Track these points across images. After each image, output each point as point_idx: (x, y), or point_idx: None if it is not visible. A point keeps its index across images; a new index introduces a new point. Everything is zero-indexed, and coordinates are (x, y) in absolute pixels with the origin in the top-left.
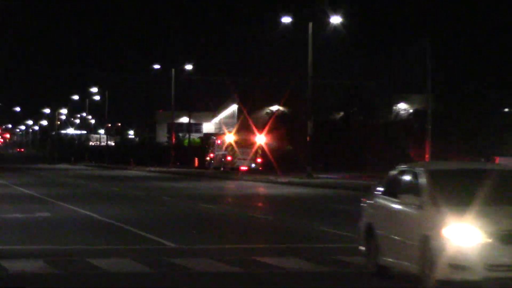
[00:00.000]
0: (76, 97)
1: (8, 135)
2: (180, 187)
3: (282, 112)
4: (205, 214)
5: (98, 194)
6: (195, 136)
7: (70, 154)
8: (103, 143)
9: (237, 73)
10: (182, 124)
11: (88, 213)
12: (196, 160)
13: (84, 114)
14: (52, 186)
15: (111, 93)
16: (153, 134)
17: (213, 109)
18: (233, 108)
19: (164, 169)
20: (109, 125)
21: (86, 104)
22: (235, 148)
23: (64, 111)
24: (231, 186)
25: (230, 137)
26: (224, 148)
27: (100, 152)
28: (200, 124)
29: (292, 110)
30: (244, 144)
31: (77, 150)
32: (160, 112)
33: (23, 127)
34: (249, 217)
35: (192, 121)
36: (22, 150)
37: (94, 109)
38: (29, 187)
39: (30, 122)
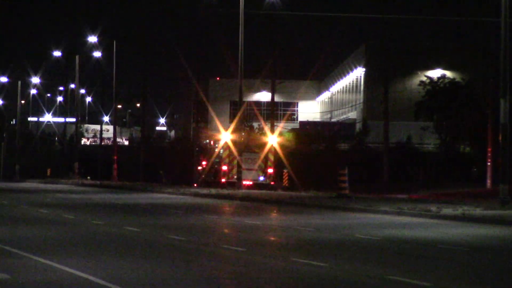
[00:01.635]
0: (57, 54)
1: None
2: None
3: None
4: None
5: (109, 239)
6: (286, 125)
7: (45, 162)
8: (107, 141)
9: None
10: (259, 103)
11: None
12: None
13: (73, 86)
14: (16, 223)
15: (122, 47)
16: (204, 120)
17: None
18: (357, 73)
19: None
20: (119, 106)
21: (75, 66)
22: (235, 153)
23: (34, 80)
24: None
25: (226, 137)
26: (217, 153)
27: (105, 158)
28: (294, 105)
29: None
30: (250, 147)
31: (57, 153)
32: (217, 81)
33: None
34: None
35: (279, 98)
36: None
37: (90, 78)
38: None
39: None
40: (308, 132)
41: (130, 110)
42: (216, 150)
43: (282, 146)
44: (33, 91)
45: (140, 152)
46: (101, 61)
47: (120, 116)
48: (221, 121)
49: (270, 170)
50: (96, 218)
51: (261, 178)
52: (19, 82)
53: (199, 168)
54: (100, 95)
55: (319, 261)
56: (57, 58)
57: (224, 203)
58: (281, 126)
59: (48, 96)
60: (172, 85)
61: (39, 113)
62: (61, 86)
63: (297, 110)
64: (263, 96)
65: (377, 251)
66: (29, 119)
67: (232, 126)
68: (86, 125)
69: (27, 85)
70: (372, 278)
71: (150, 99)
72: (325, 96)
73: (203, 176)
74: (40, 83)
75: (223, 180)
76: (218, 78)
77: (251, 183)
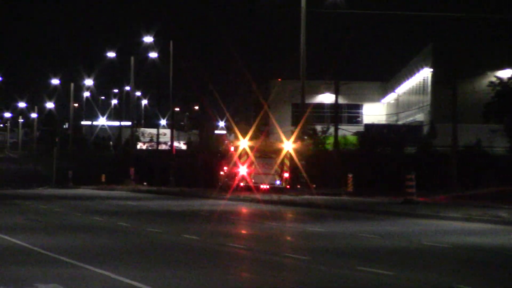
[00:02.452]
0: (111, 55)
1: None
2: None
3: None
4: None
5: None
6: (350, 128)
7: (99, 168)
8: (164, 145)
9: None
10: (322, 105)
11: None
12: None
13: (128, 88)
14: (70, 231)
15: (179, 48)
16: (266, 123)
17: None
18: (423, 74)
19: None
20: (177, 109)
21: (130, 68)
22: (252, 158)
23: (88, 82)
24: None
25: (244, 143)
26: (235, 158)
27: (162, 163)
28: (359, 107)
29: None
30: (266, 152)
31: (112, 159)
32: (278, 83)
33: None
34: None
35: (343, 100)
36: None
37: (146, 80)
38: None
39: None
40: (373, 135)
41: (188, 113)
42: (235, 155)
43: (345, 150)
44: (87, 94)
45: (198, 157)
46: (157, 62)
47: (177, 119)
48: (282, 124)
49: (286, 175)
50: (153, 225)
51: (277, 182)
52: (72, 85)
53: (221, 173)
54: (156, 98)
55: (385, 269)
56: (111, 59)
57: (286, 209)
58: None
59: (102, 99)
60: (232, 88)
61: (93, 117)
62: (115, 88)
63: (361, 112)
64: (326, 98)
65: (445, 259)
66: (83, 123)
67: (295, 134)
68: (142, 129)
69: (80, 88)
70: (440, 287)
71: (208, 102)
72: (390, 97)
73: (224, 180)
74: (94, 85)
75: (241, 184)
76: (279, 80)
77: (267, 187)
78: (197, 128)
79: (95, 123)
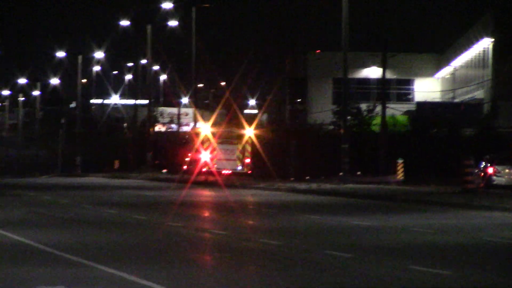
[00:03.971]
0: (125, 23)
1: None
2: None
3: None
4: None
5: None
6: (399, 107)
7: (111, 153)
8: (186, 127)
9: None
10: (368, 80)
11: None
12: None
13: (144, 62)
14: (78, 226)
15: (202, 16)
16: (303, 101)
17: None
18: (483, 44)
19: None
20: (201, 85)
21: (146, 38)
22: (214, 144)
23: (98, 55)
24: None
25: (206, 129)
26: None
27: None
28: (409, 83)
29: None
30: (227, 138)
31: (126, 142)
32: (317, 55)
33: None
34: None
35: (391, 74)
36: None
37: (164, 52)
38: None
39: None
40: (426, 114)
41: (213, 90)
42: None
43: (394, 131)
44: (97, 68)
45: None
46: (177, 31)
47: (201, 97)
48: (321, 101)
49: (248, 160)
50: (172, 219)
51: (239, 168)
52: (80, 58)
53: (186, 159)
54: (177, 73)
55: (441, 268)
56: (124, 28)
57: (327, 199)
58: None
59: (114, 74)
60: (264, 61)
61: (104, 95)
62: (130, 62)
63: (412, 88)
64: (373, 72)
65: (509, 256)
66: (92, 101)
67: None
68: (161, 108)
69: (89, 61)
70: None
71: (237, 77)
72: (445, 72)
73: (186, 166)
74: (105, 58)
75: (203, 169)
76: (318, 51)
77: (230, 172)
78: (224, 107)
79: (106, 101)
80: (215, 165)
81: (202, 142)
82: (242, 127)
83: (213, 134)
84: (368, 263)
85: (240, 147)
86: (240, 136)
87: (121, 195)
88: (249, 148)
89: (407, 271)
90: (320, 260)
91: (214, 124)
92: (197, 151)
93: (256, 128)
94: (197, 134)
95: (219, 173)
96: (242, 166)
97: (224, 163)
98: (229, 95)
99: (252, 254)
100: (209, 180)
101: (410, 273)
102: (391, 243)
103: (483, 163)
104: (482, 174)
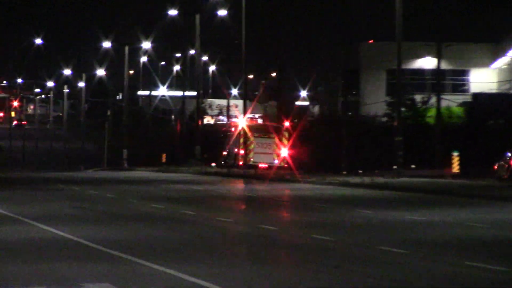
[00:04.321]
0: (173, 13)
1: (15, 102)
2: None
3: None
4: None
5: None
6: (454, 98)
7: (159, 146)
8: (234, 118)
9: None
10: (422, 71)
11: None
12: None
13: (192, 53)
14: (125, 221)
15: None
16: (356, 93)
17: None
18: None
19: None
20: (251, 76)
21: (195, 28)
22: (250, 137)
23: (145, 45)
24: None
25: (242, 122)
26: (234, 138)
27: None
28: (465, 73)
29: None
30: (264, 131)
31: (174, 135)
32: (369, 45)
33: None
34: None
35: (446, 65)
36: (25, 123)
37: (214, 43)
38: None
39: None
40: (483, 106)
41: (264, 81)
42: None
43: (449, 123)
44: (144, 59)
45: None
46: (227, 21)
47: (251, 88)
48: (375, 93)
49: (284, 154)
50: (222, 214)
51: (276, 161)
52: (127, 48)
53: (224, 153)
54: (227, 64)
55: (497, 265)
56: (173, 18)
57: (381, 194)
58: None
59: (162, 65)
60: (316, 51)
61: (152, 86)
62: (178, 52)
63: (468, 79)
64: (427, 62)
65: None
66: (139, 93)
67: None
68: (209, 100)
69: (136, 52)
70: None
71: (288, 68)
72: (502, 62)
73: (224, 160)
74: (152, 48)
75: (240, 163)
76: (371, 41)
77: (266, 166)
78: (275, 98)
79: (153, 93)
80: (252, 159)
81: (239, 135)
82: (290, 119)
83: (250, 127)
84: (423, 259)
85: (276, 140)
86: (278, 129)
87: (168, 190)
88: (286, 142)
89: (462, 267)
90: (375, 256)
91: (266, 117)
92: (236, 143)
93: (307, 119)
94: (235, 127)
95: (267, 167)
96: (278, 160)
97: (261, 157)
98: (279, 86)
99: (305, 250)
100: (258, 174)
101: (466, 269)
102: (446, 238)
103: (509, 154)
104: (507, 165)
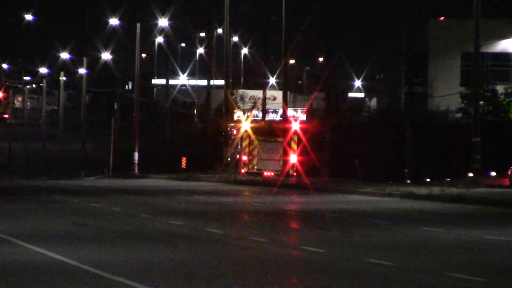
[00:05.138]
0: None
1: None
2: None
3: None
4: None
5: None
6: None
7: (177, 147)
8: (274, 114)
9: None
10: (506, 55)
11: None
12: None
13: (220, 32)
14: (134, 241)
15: None
16: (423, 82)
17: None
18: None
19: None
20: (292, 62)
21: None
22: (255, 141)
23: (162, 23)
24: None
25: (246, 125)
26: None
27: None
28: None
29: None
30: (270, 135)
31: (196, 134)
32: (440, 23)
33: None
34: None
35: None
36: (7, 116)
37: (245, 21)
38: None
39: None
40: None
41: (308, 68)
42: (236, 138)
43: None
44: (160, 40)
45: (324, 131)
46: None
47: (293, 77)
48: (446, 82)
49: (294, 161)
50: (256, 232)
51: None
52: (138, 26)
53: (228, 159)
54: (261, 46)
55: None
56: None
57: (453, 207)
58: None
59: (182, 48)
60: (373, 32)
61: (169, 74)
62: (201, 32)
63: None
64: None
65: None
66: (154, 82)
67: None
68: (241, 91)
69: (150, 31)
70: None
71: (339, 52)
72: None
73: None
74: (170, 27)
75: (243, 171)
76: (442, 19)
77: (272, 174)
78: (322, 89)
79: (172, 82)
80: (256, 166)
81: (242, 139)
82: (340, 115)
83: (254, 130)
84: None
85: (282, 145)
86: (285, 132)
87: (189, 202)
88: (295, 146)
89: None
90: (445, 286)
91: (310, 111)
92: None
93: (365, 115)
94: (238, 129)
95: (260, 174)
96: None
97: (265, 164)
98: (328, 75)
99: (359, 278)
100: (300, 183)
101: None
102: None
103: None
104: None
